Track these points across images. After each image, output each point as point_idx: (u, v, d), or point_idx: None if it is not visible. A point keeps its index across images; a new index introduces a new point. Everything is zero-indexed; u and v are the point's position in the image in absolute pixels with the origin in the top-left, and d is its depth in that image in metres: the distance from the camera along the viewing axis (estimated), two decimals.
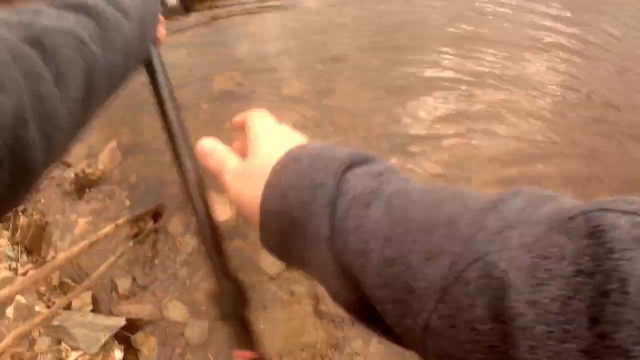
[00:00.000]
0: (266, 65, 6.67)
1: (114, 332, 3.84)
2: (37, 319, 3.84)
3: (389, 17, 7.68)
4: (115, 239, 4.68)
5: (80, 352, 3.80)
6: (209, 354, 3.88)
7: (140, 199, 4.97)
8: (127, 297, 4.38)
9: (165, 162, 5.07)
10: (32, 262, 4.60)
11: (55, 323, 3.86)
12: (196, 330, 4.05)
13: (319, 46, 7.02)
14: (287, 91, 6.26)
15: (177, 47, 6.54)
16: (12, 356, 3.67)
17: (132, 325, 4.05)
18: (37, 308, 4.01)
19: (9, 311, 3.89)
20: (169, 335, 4.06)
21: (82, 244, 4.22)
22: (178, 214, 4.93)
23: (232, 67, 6.60)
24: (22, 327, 3.75)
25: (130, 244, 4.60)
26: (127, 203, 4.99)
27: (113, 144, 5.51)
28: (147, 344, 4.01)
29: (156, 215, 4.76)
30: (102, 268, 4.29)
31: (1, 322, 3.81)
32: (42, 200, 5.13)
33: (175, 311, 4.21)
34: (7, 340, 3.63)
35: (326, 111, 5.93)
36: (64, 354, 3.82)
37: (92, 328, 3.83)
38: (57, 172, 5.39)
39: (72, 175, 5.15)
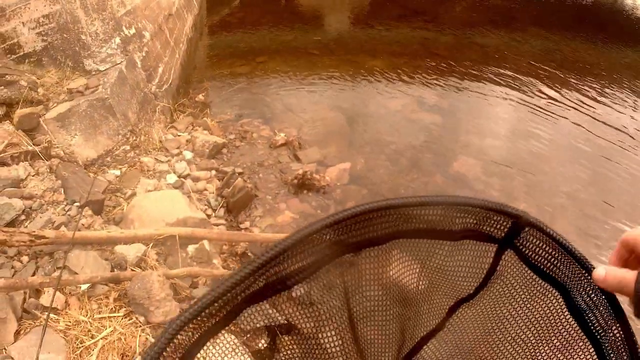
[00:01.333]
0: None
1: (270, 323, 3.45)
2: (216, 271, 3.64)
3: None
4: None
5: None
6: None
7: None
8: (293, 300, 3.97)
9: None
10: (225, 219, 4.57)
11: None
12: None
13: None
14: None
15: None
16: (175, 285, 3.39)
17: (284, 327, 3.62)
18: (215, 261, 3.77)
19: (191, 249, 3.77)
20: None
21: (285, 235, 3.98)
22: (375, 259, 4.51)
23: None
24: (196, 269, 3.63)
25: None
26: None
27: (346, 165, 5.47)
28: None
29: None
30: None
31: (180, 254, 3.55)
32: (261, 175, 5.03)
33: None
34: (179, 272, 3.63)
35: None
36: None
37: None
38: (285, 159, 5.29)
39: (300, 171, 5.08)
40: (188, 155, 5.05)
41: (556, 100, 7.02)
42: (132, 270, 3.55)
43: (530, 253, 0.88)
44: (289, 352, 1.02)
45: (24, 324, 3.16)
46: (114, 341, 3.11)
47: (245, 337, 3.49)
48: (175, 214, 4.05)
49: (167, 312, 3.31)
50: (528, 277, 0.91)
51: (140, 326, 3.27)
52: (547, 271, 0.88)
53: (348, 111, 6.48)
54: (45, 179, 4.16)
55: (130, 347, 3.12)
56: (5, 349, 3.01)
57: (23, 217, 3.81)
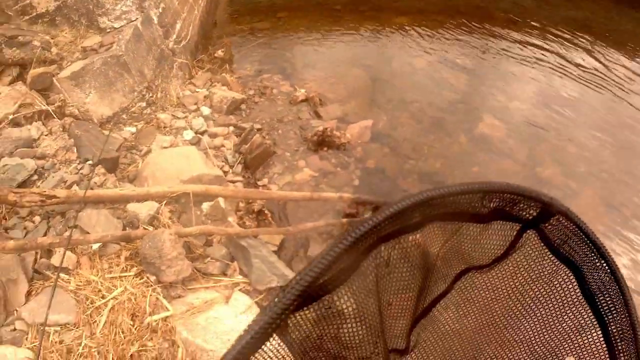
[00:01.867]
0: None
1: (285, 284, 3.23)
2: (230, 229, 3.45)
3: None
4: (331, 205, 4.20)
5: (245, 280, 3.51)
6: None
7: (369, 186, 4.62)
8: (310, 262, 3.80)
9: (406, 169, 4.70)
10: (243, 176, 4.44)
11: (243, 243, 3.41)
12: None
13: None
14: None
15: None
16: (188, 244, 3.23)
17: None
18: (230, 219, 3.60)
19: (205, 206, 3.63)
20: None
21: (304, 193, 3.99)
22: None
23: None
24: (210, 227, 3.48)
25: (344, 220, 4.04)
26: (356, 182, 4.62)
27: (368, 122, 5.23)
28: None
29: (376, 208, 4.11)
30: (309, 225, 3.85)
31: (194, 211, 3.37)
32: (280, 131, 4.82)
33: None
34: (193, 230, 3.47)
35: None
36: (229, 271, 3.54)
37: (271, 268, 3.43)
38: (305, 115, 5.05)
39: (321, 128, 4.91)
40: (206, 111, 4.85)
41: (585, 67, 6.62)
42: (145, 228, 3.40)
43: (553, 237, 0.91)
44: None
45: (35, 284, 3.06)
46: (125, 301, 2.98)
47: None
48: (191, 170, 3.88)
49: (178, 272, 3.15)
50: (545, 257, 0.95)
51: (151, 286, 3.13)
52: (566, 254, 0.91)
53: (371, 68, 6.19)
54: (58, 138, 4.01)
55: (141, 307, 2.98)
56: (16, 310, 2.90)
57: (35, 177, 3.68)
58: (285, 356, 0.78)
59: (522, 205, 0.90)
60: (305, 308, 0.77)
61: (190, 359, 2.93)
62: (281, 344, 0.75)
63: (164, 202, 3.58)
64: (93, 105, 4.39)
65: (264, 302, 3.43)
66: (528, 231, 0.94)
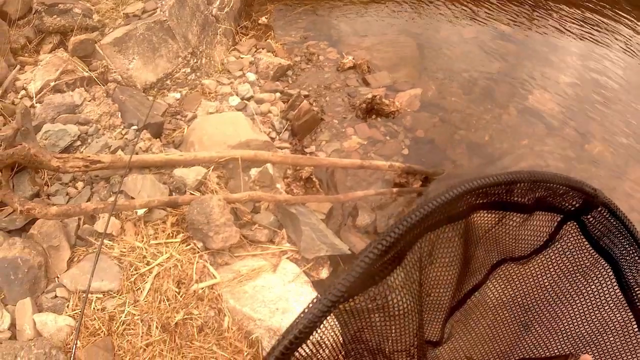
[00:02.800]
0: None
1: (335, 253, 3.15)
2: (279, 196, 3.21)
3: None
4: (380, 174, 3.94)
5: (293, 248, 3.32)
6: None
7: (418, 156, 4.35)
8: (358, 231, 3.57)
9: (455, 140, 4.40)
10: (290, 143, 4.24)
11: (292, 210, 3.17)
12: None
13: None
14: None
15: None
16: (236, 210, 2.98)
17: (347, 257, 3.43)
18: (278, 185, 3.37)
19: (254, 172, 3.40)
20: None
21: (353, 161, 3.80)
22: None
23: None
24: (259, 193, 3.22)
25: (394, 190, 3.76)
26: (405, 152, 4.35)
27: (417, 91, 4.92)
28: None
29: (426, 179, 4.00)
30: (359, 193, 3.60)
31: (242, 177, 3.12)
32: (327, 99, 4.54)
33: None
34: (241, 196, 3.25)
35: None
36: (277, 239, 3.33)
37: (320, 237, 3.19)
38: (353, 83, 4.77)
39: (369, 95, 4.66)
40: (251, 77, 4.61)
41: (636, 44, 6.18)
42: (191, 194, 3.16)
43: (594, 229, 0.89)
44: None
45: (77, 251, 2.89)
46: (170, 268, 2.77)
47: None
48: (238, 136, 3.63)
49: (226, 238, 2.92)
50: (584, 249, 0.92)
51: (198, 252, 2.91)
52: (605, 247, 0.90)
53: (419, 37, 5.86)
54: (101, 104, 3.80)
55: (187, 274, 2.77)
56: (57, 277, 2.73)
57: (78, 142, 3.51)
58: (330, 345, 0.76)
59: (565, 196, 0.88)
60: (350, 299, 0.74)
61: (236, 328, 2.73)
62: (326, 333, 0.73)
63: (212, 168, 3.36)
64: (136, 72, 4.18)
65: (312, 271, 3.19)
66: (569, 222, 0.92)
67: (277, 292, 2.88)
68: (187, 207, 3.06)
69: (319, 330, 0.69)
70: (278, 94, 4.56)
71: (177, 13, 4.47)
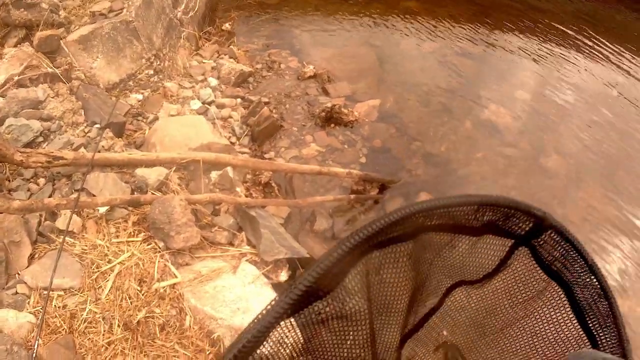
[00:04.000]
0: None
1: (294, 256, 3.27)
2: (239, 198, 3.32)
3: None
4: (337, 181, 4.09)
5: (253, 250, 3.40)
6: None
7: (375, 164, 4.53)
8: (316, 235, 3.72)
9: (411, 150, 4.58)
10: (249, 148, 4.32)
11: (251, 213, 3.28)
12: None
13: None
14: None
15: None
16: (196, 211, 3.08)
17: (306, 260, 3.53)
18: (238, 189, 3.48)
19: (214, 175, 3.52)
20: None
21: (313, 167, 3.91)
22: (399, 199, 4.25)
23: None
24: (220, 195, 3.38)
25: (351, 196, 3.92)
26: (363, 160, 4.51)
27: (376, 102, 5.12)
28: None
29: (383, 187, 4.18)
30: (318, 199, 3.75)
31: (203, 179, 3.23)
32: (287, 106, 4.68)
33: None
34: (202, 197, 3.33)
35: None
36: (237, 241, 3.41)
37: (279, 239, 3.30)
38: (313, 92, 4.91)
39: (329, 104, 4.80)
40: (213, 82, 4.69)
41: (590, 58, 6.51)
42: (153, 194, 3.23)
43: (545, 253, 0.91)
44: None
45: (38, 247, 2.90)
46: (132, 266, 2.83)
47: None
48: (199, 139, 3.72)
49: (187, 238, 3.00)
50: (536, 273, 0.94)
51: (160, 252, 2.97)
52: (557, 270, 0.91)
53: (379, 49, 6.03)
54: (65, 101, 3.82)
55: (149, 272, 2.83)
56: (18, 273, 2.75)
57: (41, 139, 3.51)
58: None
59: (514, 219, 0.90)
60: (297, 314, 0.76)
61: (198, 327, 2.80)
62: (273, 347, 0.75)
63: (173, 169, 3.42)
64: (100, 71, 4.21)
65: (271, 273, 3.30)
66: (520, 247, 0.94)
67: (237, 293, 2.96)
68: (149, 206, 3.12)
69: (279, 330, 0.73)
70: (239, 100, 4.65)
71: (143, 14, 4.52)
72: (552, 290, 0.95)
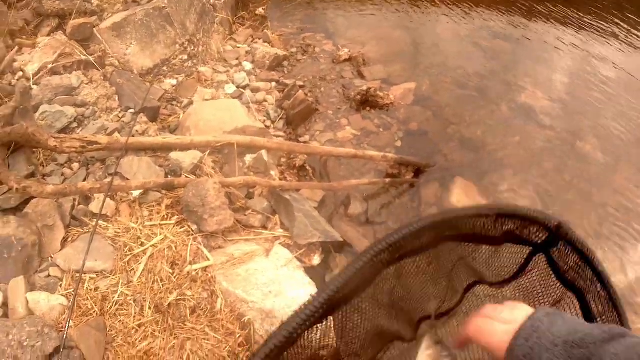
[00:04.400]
0: None
1: (327, 240, 3.19)
2: (273, 182, 3.23)
3: None
4: (372, 165, 3.98)
5: (286, 234, 3.31)
6: None
7: (410, 148, 4.41)
8: (350, 220, 3.62)
9: (447, 134, 4.44)
10: (284, 131, 4.27)
11: (285, 196, 3.18)
12: None
13: None
14: None
15: None
16: (230, 195, 3.00)
17: (339, 245, 3.49)
18: (272, 172, 3.38)
19: (249, 158, 3.41)
20: None
21: (348, 150, 3.82)
22: (435, 183, 4.12)
23: None
24: (254, 178, 3.23)
25: (386, 180, 3.80)
26: (398, 144, 4.38)
27: (411, 85, 4.95)
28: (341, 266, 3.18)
29: (418, 170, 4.04)
30: (353, 182, 3.62)
31: (237, 163, 3.15)
32: (323, 90, 4.57)
33: None
34: (236, 180, 3.25)
35: None
36: (270, 224, 3.34)
37: (313, 223, 3.20)
38: (348, 75, 4.79)
39: (364, 88, 4.69)
40: (247, 66, 4.62)
41: (629, 44, 6.24)
42: (187, 177, 3.17)
43: (560, 262, 0.93)
44: None
45: (71, 231, 2.87)
46: (164, 249, 2.77)
47: None
48: (234, 122, 3.65)
49: (221, 221, 2.94)
50: (551, 281, 0.97)
51: (192, 234, 2.92)
52: (571, 279, 0.93)
53: (414, 32, 5.89)
54: (99, 87, 3.80)
55: (181, 255, 2.77)
56: (51, 256, 2.72)
57: (75, 124, 3.50)
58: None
59: (532, 228, 0.92)
60: (323, 321, 0.78)
61: (229, 310, 2.74)
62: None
63: (207, 152, 3.36)
64: (134, 57, 4.18)
65: (304, 257, 3.22)
66: (538, 255, 0.96)
67: (269, 276, 2.89)
68: (183, 189, 3.07)
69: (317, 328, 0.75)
70: (274, 84, 4.57)
71: (175, 0, 4.48)
72: (568, 298, 0.97)
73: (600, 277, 0.90)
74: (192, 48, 4.52)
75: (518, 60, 5.77)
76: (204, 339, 2.65)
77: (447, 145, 4.65)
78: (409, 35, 5.85)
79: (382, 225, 3.92)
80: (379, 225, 3.92)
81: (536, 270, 1.00)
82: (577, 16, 6.65)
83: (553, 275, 0.97)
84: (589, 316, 0.94)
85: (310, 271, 3.12)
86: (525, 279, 1.03)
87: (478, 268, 1.04)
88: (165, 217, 3.02)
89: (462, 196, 4.12)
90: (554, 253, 0.94)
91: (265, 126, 4.05)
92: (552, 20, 6.50)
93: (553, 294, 1.00)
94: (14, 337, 2.39)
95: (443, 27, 6.08)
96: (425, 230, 0.84)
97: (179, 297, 2.71)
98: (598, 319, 0.92)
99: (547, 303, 1.01)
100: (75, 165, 3.26)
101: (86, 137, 3.11)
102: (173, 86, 4.19)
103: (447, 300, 1.12)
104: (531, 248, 0.97)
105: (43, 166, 3.22)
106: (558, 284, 0.97)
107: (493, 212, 0.90)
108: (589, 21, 6.58)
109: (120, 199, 3.08)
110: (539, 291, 1.02)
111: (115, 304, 2.68)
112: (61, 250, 2.84)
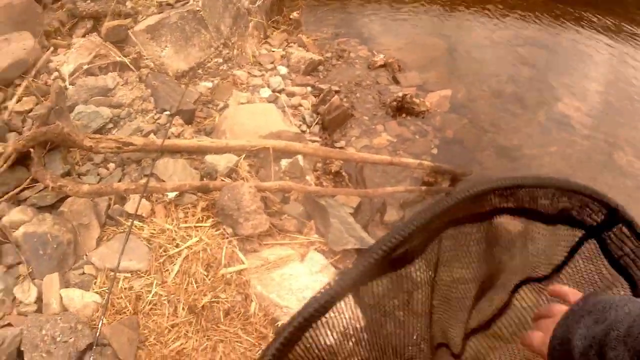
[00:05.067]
0: None
1: (363, 246, 3.24)
2: (309, 187, 3.22)
3: None
4: (408, 172, 3.90)
5: (321, 239, 3.24)
6: None
7: (446, 155, 4.35)
8: (386, 226, 3.74)
9: (484, 142, 4.34)
10: (319, 136, 4.23)
11: (321, 202, 3.15)
12: None
13: None
14: None
15: None
16: (265, 199, 2.95)
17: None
18: (308, 177, 3.34)
19: (284, 163, 3.39)
20: None
21: (383, 157, 3.82)
22: None
23: None
24: (290, 183, 3.24)
25: (422, 188, 3.72)
26: (434, 151, 4.31)
27: (447, 92, 4.89)
28: None
29: (454, 179, 3.96)
30: (388, 189, 3.57)
31: (273, 167, 3.10)
32: (358, 95, 4.52)
33: None
34: (271, 185, 3.23)
35: None
36: (305, 229, 3.26)
37: (348, 229, 3.17)
38: (383, 81, 4.73)
39: (400, 94, 4.65)
40: (283, 70, 4.58)
41: None
42: (222, 180, 3.12)
43: (614, 247, 0.88)
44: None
45: (107, 230, 2.85)
46: (199, 251, 2.73)
47: None
48: (269, 127, 3.60)
49: (256, 225, 2.89)
50: (603, 268, 0.91)
51: (227, 238, 2.88)
52: (625, 265, 0.88)
53: (449, 39, 5.82)
54: (134, 88, 3.79)
55: (216, 258, 2.73)
56: (86, 254, 2.70)
57: (111, 125, 3.50)
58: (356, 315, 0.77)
59: (588, 209, 0.87)
60: (377, 278, 0.76)
61: (263, 314, 2.69)
62: (354, 304, 0.74)
63: (243, 156, 3.32)
64: (168, 59, 4.17)
65: (340, 263, 3.15)
66: (590, 240, 0.91)
67: (304, 282, 2.84)
68: (218, 192, 3.03)
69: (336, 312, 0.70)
70: (309, 88, 4.54)
71: (210, 4, 4.46)
72: (619, 285, 0.91)
73: None
74: (227, 51, 4.50)
75: (553, 67, 5.66)
76: (237, 341, 2.61)
77: (483, 153, 4.57)
78: (444, 41, 5.78)
79: None
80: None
81: (586, 256, 0.94)
82: (614, 23, 6.52)
83: (605, 262, 0.91)
84: None
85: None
86: (573, 268, 0.97)
87: (526, 258, 0.99)
88: (201, 219, 2.98)
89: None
90: (608, 237, 0.89)
91: (301, 131, 4.00)
92: (587, 27, 6.38)
93: (603, 282, 0.94)
94: (47, 332, 2.39)
95: (478, 34, 6.00)
96: (482, 196, 0.81)
97: (212, 300, 2.67)
98: None
99: (595, 288, 0.96)
100: (111, 165, 3.25)
101: (121, 138, 3.09)
102: (208, 89, 4.16)
103: (487, 302, 1.07)
104: (583, 232, 0.91)
105: (79, 165, 3.21)
106: (610, 271, 0.92)
107: (553, 184, 0.85)
108: (626, 29, 6.44)
109: (156, 200, 3.05)
110: (588, 279, 0.96)
111: (149, 304, 2.67)
112: (96, 248, 2.84)
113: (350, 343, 0.84)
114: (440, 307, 0.99)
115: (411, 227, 0.72)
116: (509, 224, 0.91)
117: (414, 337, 0.96)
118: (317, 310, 0.66)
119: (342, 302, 0.69)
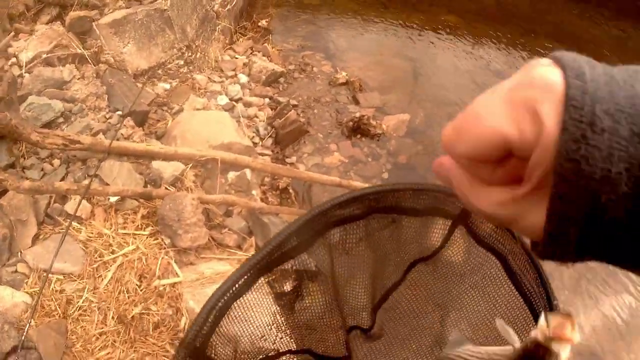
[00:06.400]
0: None
1: (300, 267, 3.03)
2: (253, 203, 3.26)
3: None
4: None
5: None
6: None
7: (397, 180, 4.26)
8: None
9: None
10: (271, 150, 4.28)
11: (264, 219, 3.19)
12: None
13: None
14: None
15: None
16: (208, 211, 3.02)
17: (314, 273, 3.21)
18: (254, 192, 3.41)
19: (231, 175, 3.42)
20: None
21: (332, 178, 3.87)
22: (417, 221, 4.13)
23: None
24: (234, 197, 3.30)
25: None
26: (385, 175, 4.42)
27: (406, 116, 4.97)
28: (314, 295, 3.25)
29: None
30: None
31: (219, 179, 3.18)
32: (316, 111, 4.61)
33: None
34: (215, 198, 3.29)
35: None
36: (245, 245, 3.31)
37: None
38: (343, 99, 4.83)
39: (357, 114, 4.75)
40: (243, 78, 4.64)
41: None
42: (167, 188, 3.19)
43: (478, 230, 1.05)
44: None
45: (44, 229, 2.88)
46: (135, 260, 2.79)
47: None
48: (221, 137, 3.67)
49: (195, 238, 2.95)
50: (474, 249, 1.08)
51: (165, 248, 2.93)
52: (490, 244, 1.04)
53: (414, 62, 5.93)
54: (90, 84, 3.81)
55: (151, 268, 2.79)
56: (21, 252, 2.72)
57: (61, 119, 3.51)
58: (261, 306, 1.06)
59: (448, 202, 1.04)
60: (269, 272, 1.06)
61: None
62: (257, 296, 1.03)
63: (190, 165, 3.37)
64: (130, 56, 4.19)
65: (276, 283, 3.21)
66: (460, 226, 1.08)
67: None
68: (160, 201, 3.08)
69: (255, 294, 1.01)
70: (267, 100, 4.60)
71: (178, 4, 4.50)
72: (491, 261, 1.06)
73: (514, 237, 0.98)
74: (190, 54, 4.54)
75: None
76: (164, 356, 2.66)
77: (435, 181, 4.67)
78: (408, 63, 5.89)
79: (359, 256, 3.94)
80: (355, 257, 3.94)
81: (458, 240, 1.11)
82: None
83: (475, 243, 1.07)
84: (512, 274, 1.02)
85: (282, 298, 3.13)
86: (451, 250, 1.14)
87: (410, 243, 1.17)
88: (140, 227, 3.03)
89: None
90: (471, 222, 1.05)
91: (253, 143, 4.07)
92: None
93: (477, 259, 1.09)
94: None
95: (444, 60, 6.13)
96: (358, 198, 1.03)
97: (143, 311, 2.72)
98: (521, 276, 1.00)
99: (472, 268, 1.13)
100: (56, 162, 3.27)
101: (69, 135, 3.12)
102: (165, 90, 4.20)
103: (385, 279, 1.26)
104: (451, 220, 1.08)
105: (24, 158, 3.22)
106: (480, 250, 1.07)
107: (411, 187, 1.05)
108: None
109: (97, 203, 3.09)
110: (464, 258, 1.14)
111: (79, 309, 2.70)
112: (31, 247, 2.86)
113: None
114: (345, 291, 1.21)
115: (294, 227, 0.99)
116: (384, 218, 1.10)
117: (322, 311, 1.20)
118: (229, 288, 0.95)
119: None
